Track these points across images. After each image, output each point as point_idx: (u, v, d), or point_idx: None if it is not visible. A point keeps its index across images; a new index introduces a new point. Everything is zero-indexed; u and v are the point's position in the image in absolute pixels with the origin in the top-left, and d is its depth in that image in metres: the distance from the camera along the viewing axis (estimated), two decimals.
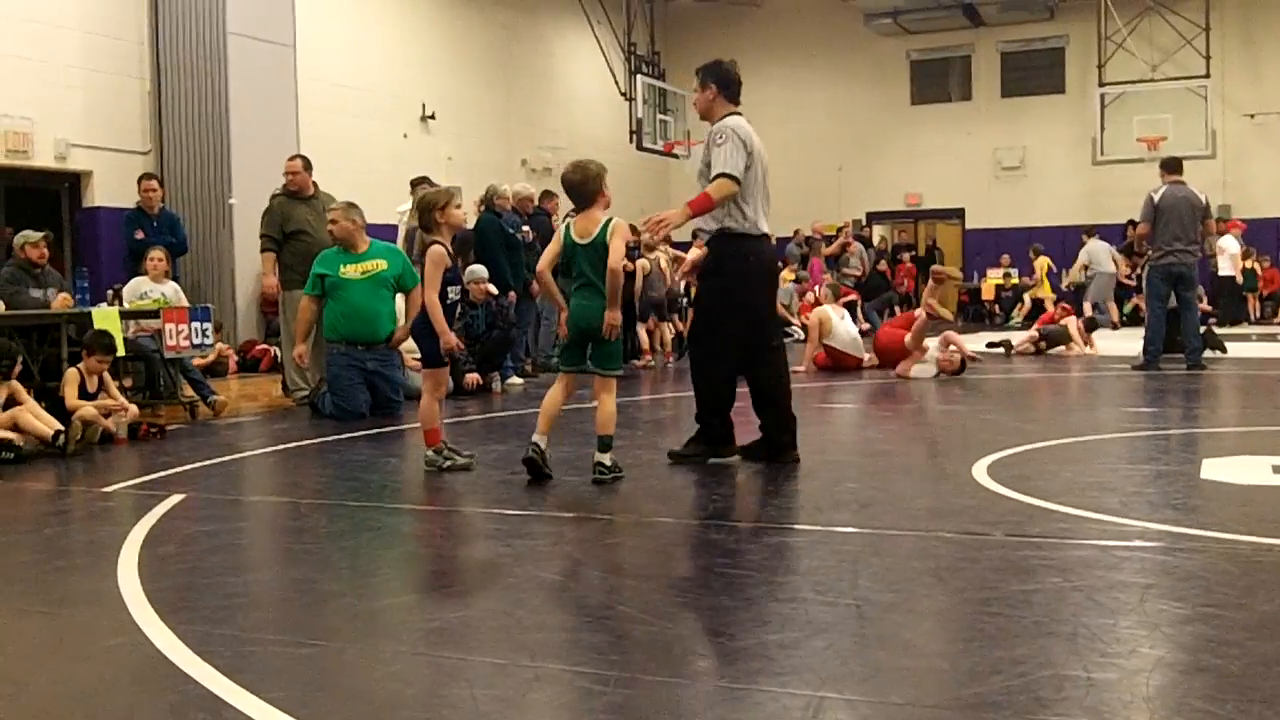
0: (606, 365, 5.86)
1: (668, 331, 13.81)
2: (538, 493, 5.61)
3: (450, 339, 6.17)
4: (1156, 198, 11.46)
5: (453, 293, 6.34)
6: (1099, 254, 20.36)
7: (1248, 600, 3.47)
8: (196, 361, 9.92)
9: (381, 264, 8.98)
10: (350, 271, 8.88)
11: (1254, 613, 3.35)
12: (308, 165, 10.12)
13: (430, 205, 6.26)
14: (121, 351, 8.46)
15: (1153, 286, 11.67)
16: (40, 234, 9.15)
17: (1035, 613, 3.37)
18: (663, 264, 13.68)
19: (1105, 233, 22.10)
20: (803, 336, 13.90)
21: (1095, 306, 19.08)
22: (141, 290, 9.68)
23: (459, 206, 6.37)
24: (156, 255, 9.95)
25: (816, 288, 15.33)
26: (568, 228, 5.92)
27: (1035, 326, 14.87)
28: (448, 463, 6.20)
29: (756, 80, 25.11)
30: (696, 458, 6.29)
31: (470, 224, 11.10)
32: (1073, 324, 14.26)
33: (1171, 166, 11.75)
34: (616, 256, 5.74)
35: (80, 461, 6.97)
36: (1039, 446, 6.61)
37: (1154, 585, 3.66)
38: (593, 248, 5.75)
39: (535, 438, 5.80)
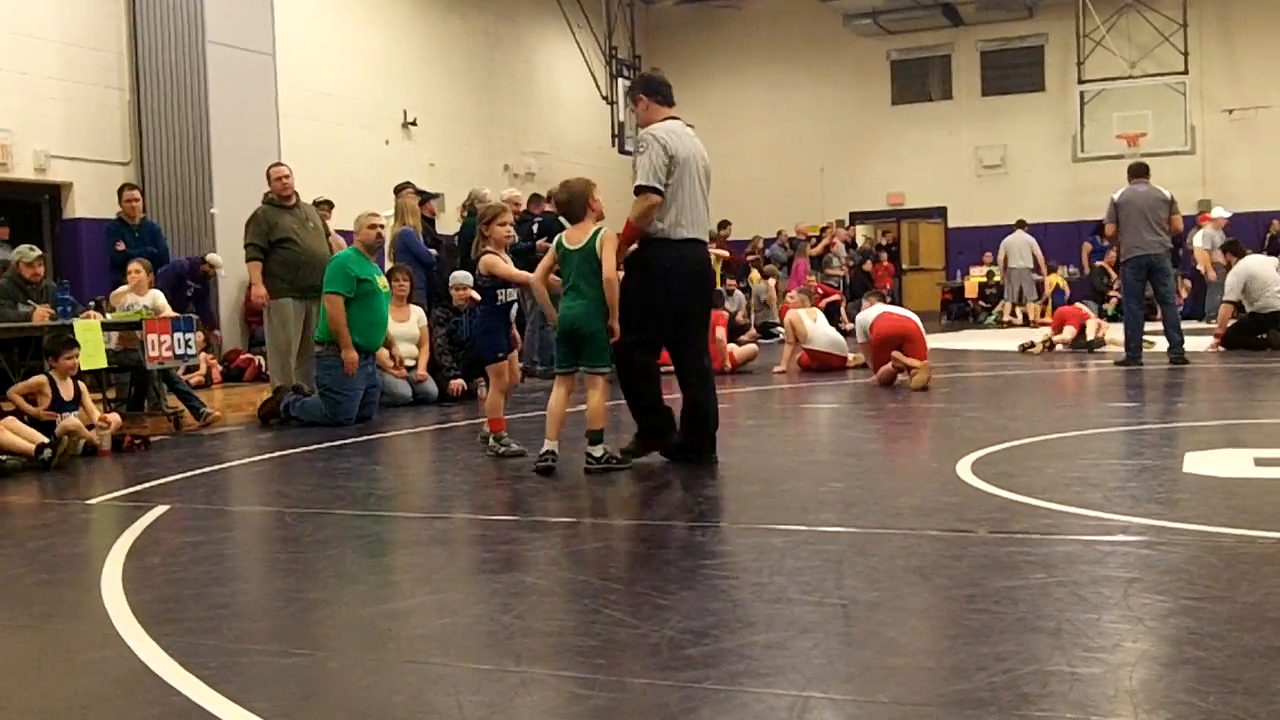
0: (595, 363, 6.17)
1: None
2: (522, 498, 5.61)
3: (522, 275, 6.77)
4: (1117, 197, 11.75)
5: (502, 295, 6.82)
6: (1015, 248, 20.63)
7: (1230, 592, 3.49)
8: (194, 379, 9.95)
9: (385, 282, 9.28)
10: (380, 284, 9.13)
11: (1236, 605, 3.36)
12: (291, 173, 10.12)
13: (479, 219, 6.94)
14: (105, 363, 8.44)
15: (1127, 283, 11.81)
16: (36, 254, 9.11)
17: (1019, 609, 3.38)
18: None
19: (1085, 229, 22.24)
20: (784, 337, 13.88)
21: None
22: (128, 302, 9.67)
23: (504, 225, 6.81)
24: (136, 267, 9.93)
25: (791, 292, 15.26)
26: (560, 238, 6.28)
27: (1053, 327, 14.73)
28: (503, 448, 6.67)
29: (737, 82, 25.45)
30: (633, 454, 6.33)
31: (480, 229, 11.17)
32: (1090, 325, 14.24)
33: (1136, 171, 11.97)
34: (610, 267, 6.07)
35: (64, 474, 6.94)
36: (1022, 443, 6.63)
37: (1137, 579, 3.68)
38: (581, 254, 6.11)
39: (547, 445, 6.11)
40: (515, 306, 6.98)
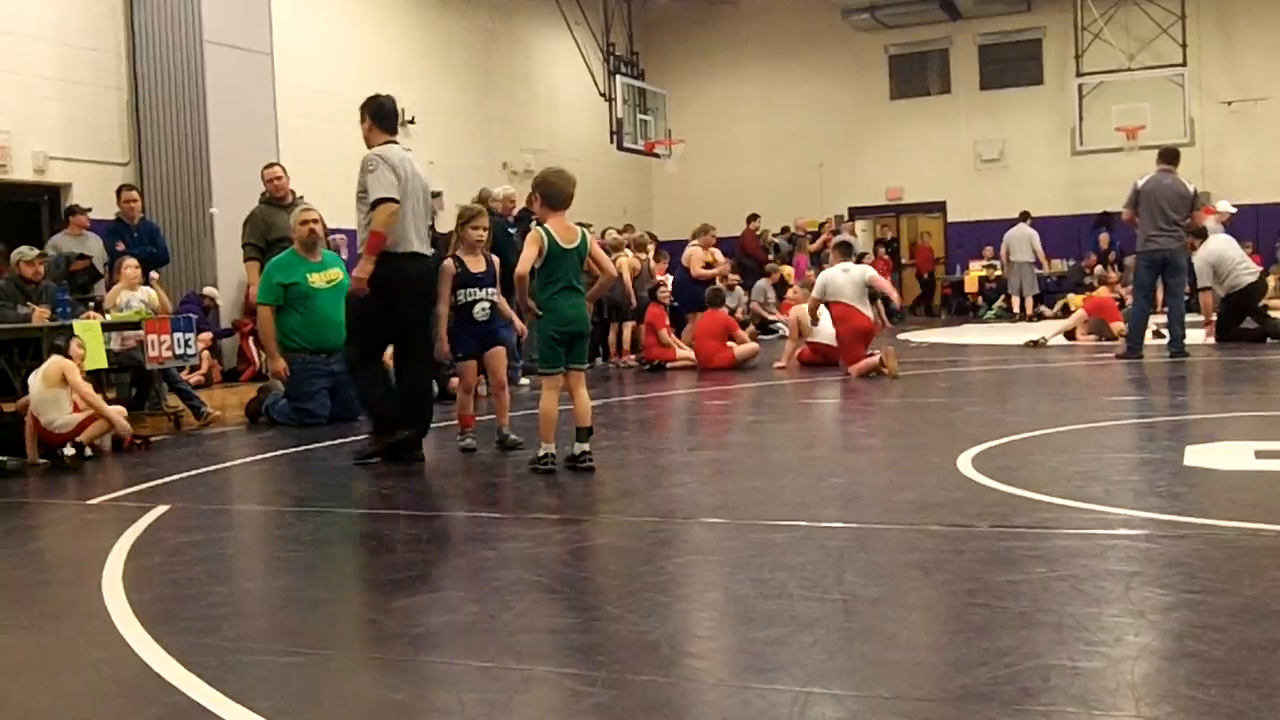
0: (583, 361, 6.21)
1: (627, 331, 13.93)
2: (521, 495, 5.61)
3: (442, 346, 6.93)
4: (1140, 183, 11.60)
5: (463, 295, 6.88)
6: (1016, 242, 20.67)
7: (1231, 585, 3.49)
8: (195, 378, 9.94)
9: (339, 273, 9.10)
10: (318, 280, 8.93)
11: (1238, 597, 3.36)
12: (284, 173, 10.12)
13: (456, 220, 7.14)
14: (105, 364, 8.43)
15: (1138, 275, 11.76)
16: (36, 253, 9.10)
17: (1021, 603, 3.38)
18: (620, 263, 13.76)
19: (1084, 222, 22.25)
20: (786, 333, 13.86)
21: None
22: (123, 299, 9.65)
23: (475, 228, 6.95)
24: (130, 263, 9.90)
25: (794, 286, 15.28)
26: (550, 233, 6.01)
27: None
28: (462, 440, 6.94)
29: (735, 78, 25.43)
30: (376, 455, 6.70)
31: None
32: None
33: (1164, 156, 11.89)
34: (611, 264, 6.47)
35: (64, 474, 6.94)
36: (1023, 437, 6.63)
37: (1138, 573, 3.67)
38: (576, 254, 6.08)
39: (546, 448, 5.99)
40: (483, 305, 6.87)
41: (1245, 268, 13.40)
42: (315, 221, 9.05)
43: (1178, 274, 11.61)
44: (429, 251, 6.86)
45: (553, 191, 6.11)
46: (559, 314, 6.00)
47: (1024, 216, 21.19)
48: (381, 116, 6.95)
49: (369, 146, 6.88)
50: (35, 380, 7.40)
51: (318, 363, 8.86)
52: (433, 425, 8.60)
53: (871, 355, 10.83)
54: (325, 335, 8.90)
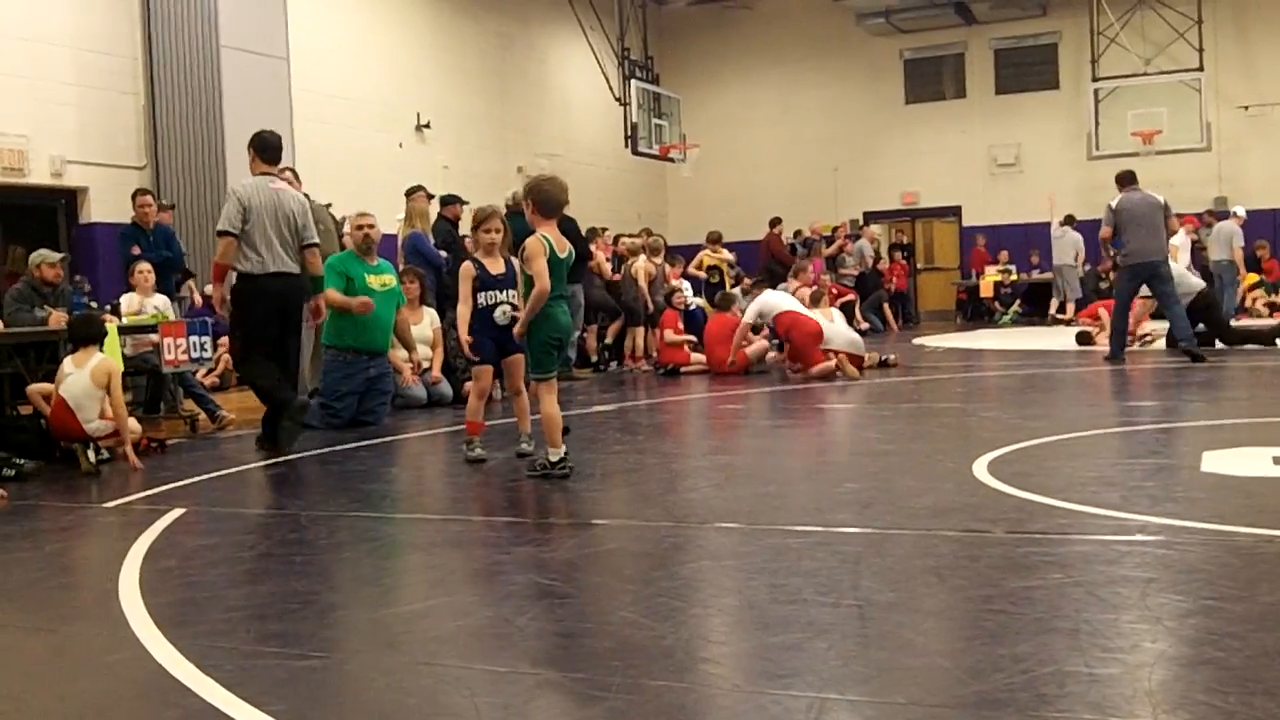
0: (565, 366, 6.08)
1: (638, 336, 13.96)
2: (535, 500, 5.61)
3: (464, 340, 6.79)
4: (1114, 203, 12.03)
5: (483, 298, 6.74)
6: (1059, 245, 20.71)
7: (1249, 592, 3.47)
8: (209, 380, 9.97)
9: (391, 279, 9.29)
10: (373, 283, 9.10)
11: (1256, 604, 3.34)
12: (296, 177, 10.15)
13: (471, 223, 7.17)
14: (121, 367, 8.46)
15: (1120, 286, 12.19)
16: (58, 256, 9.14)
17: (1037, 609, 3.37)
18: (636, 268, 13.82)
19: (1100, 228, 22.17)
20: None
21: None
22: (136, 305, 9.69)
23: (488, 230, 6.85)
24: (144, 268, 9.96)
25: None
26: (549, 243, 6.00)
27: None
28: (471, 452, 6.73)
29: (749, 83, 25.45)
30: (269, 448, 7.47)
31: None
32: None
33: (1125, 179, 12.25)
34: (547, 279, 6.48)
35: (81, 477, 6.96)
36: (1039, 442, 6.60)
37: (1155, 579, 3.66)
38: (566, 263, 6.13)
39: (558, 453, 5.95)
40: (504, 309, 6.73)
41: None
42: (371, 226, 9.33)
43: (1165, 284, 11.93)
44: (294, 269, 7.58)
45: (546, 199, 6.06)
46: (553, 320, 6.03)
47: (1069, 220, 21.05)
48: (263, 148, 7.69)
49: (252, 175, 7.65)
50: (81, 373, 7.34)
51: (359, 363, 8.93)
52: (444, 430, 8.64)
53: (829, 360, 11.23)
54: (374, 337, 9.10)
